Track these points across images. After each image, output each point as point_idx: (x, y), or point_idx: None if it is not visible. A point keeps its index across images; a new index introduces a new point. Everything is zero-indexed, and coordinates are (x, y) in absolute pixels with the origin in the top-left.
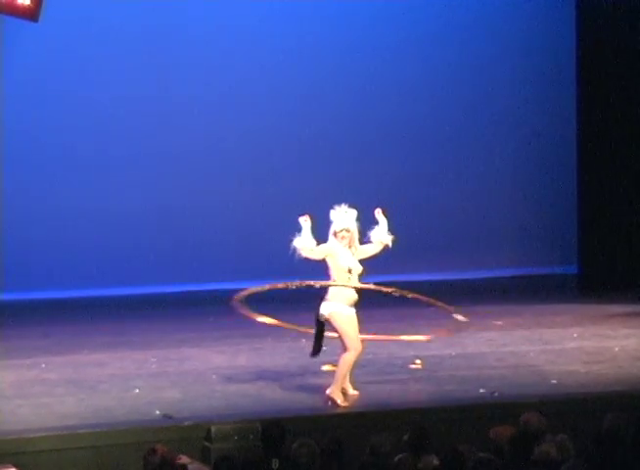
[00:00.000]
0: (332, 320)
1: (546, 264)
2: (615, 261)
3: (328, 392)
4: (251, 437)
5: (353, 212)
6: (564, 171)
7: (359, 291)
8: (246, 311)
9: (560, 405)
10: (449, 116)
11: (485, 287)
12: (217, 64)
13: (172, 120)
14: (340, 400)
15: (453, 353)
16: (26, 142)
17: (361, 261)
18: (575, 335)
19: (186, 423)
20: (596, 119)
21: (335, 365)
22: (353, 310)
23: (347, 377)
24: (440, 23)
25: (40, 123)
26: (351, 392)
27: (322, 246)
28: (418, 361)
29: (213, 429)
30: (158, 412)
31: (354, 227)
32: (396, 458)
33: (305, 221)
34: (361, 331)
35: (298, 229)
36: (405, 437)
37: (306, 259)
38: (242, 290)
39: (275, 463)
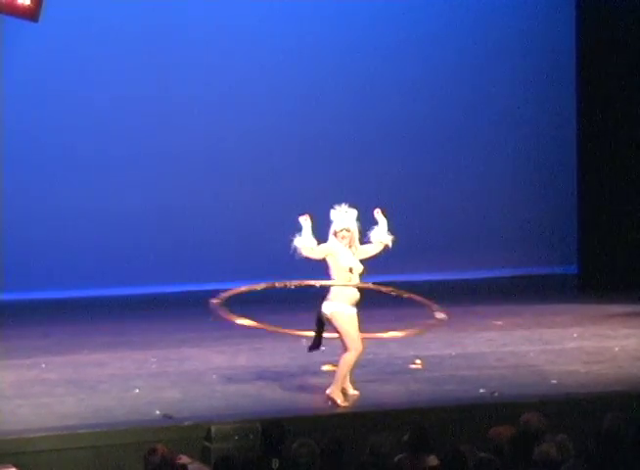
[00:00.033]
0: (333, 320)
1: (546, 264)
2: (615, 261)
3: (328, 392)
4: (251, 437)
5: (353, 212)
6: (564, 171)
7: (361, 290)
8: (224, 313)
9: (560, 405)
10: (449, 116)
11: (485, 287)
12: (217, 64)
13: (172, 120)
14: (340, 400)
15: (453, 353)
16: (26, 142)
17: (361, 261)
18: (575, 335)
19: (186, 423)
20: (596, 119)
21: (335, 365)
22: (355, 310)
23: (348, 377)
24: (440, 23)
25: (40, 123)
26: (351, 392)
27: (322, 245)
28: (418, 361)
29: (213, 429)
30: (158, 412)
31: (354, 227)
32: (396, 458)
33: (306, 221)
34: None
35: (299, 229)
36: (405, 437)
37: (307, 259)
38: (222, 291)
39: (275, 463)
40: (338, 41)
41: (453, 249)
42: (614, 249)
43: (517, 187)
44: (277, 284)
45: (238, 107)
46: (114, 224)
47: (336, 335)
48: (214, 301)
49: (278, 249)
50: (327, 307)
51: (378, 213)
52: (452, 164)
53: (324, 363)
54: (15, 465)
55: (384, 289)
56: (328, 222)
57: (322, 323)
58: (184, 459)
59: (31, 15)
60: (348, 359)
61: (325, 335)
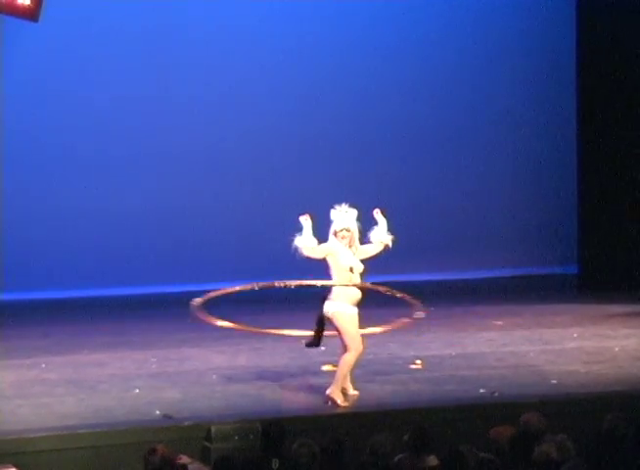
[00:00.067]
0: (334, 319)
1: (546, 264)
2: (615, 261)
3: (328, 392)
4: (252, 437)
5: (354, 212)
6: (564, 171)
7: (362, 290)
8: (204, 316)
9: (560, 405)
10: (449, 116)
11: (485, 287)
12: (217, 64)
13: (172, 120)
14: (340, 401)
15: (453, 353)
16: (26, 142)
17: (362, 261)
18: (575, 335)
19: (186, 423)
20: (596, 119)
21: (335, 365)
22: (356, 310)
23: (348, 377)
24: (440, 23)
25: (40, 123)
26: (351, 392)
27: (323, 245)
28: (418, 361)
29: (213, 429)
30: (158, 412)
31: (354, 227)
32: (396, 458)
33: (306, 220)
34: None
35: (299, 229)
36: (405, 437)
37: (308, 259)
38: (202, 294)
39: (275, 463)
40: (338, 41)
41: (453, 249)
42: (614, 249)
43: (517, 187)
44: (277, 284)
45: (238, 107)
46: (114, 224)
47: (335, 333)
48: (194, 302)
49: (278, 249)
50: (328, 307)
51: (377, 214)
52: (452, 164)
53: (324, 363)
54: (15, 465)
55: (381, 288)
56: (328, 222)
57: (323, 322)
58: (184, 459)
59: (31, 15)
60: (348, 360)
61: (325, 333)
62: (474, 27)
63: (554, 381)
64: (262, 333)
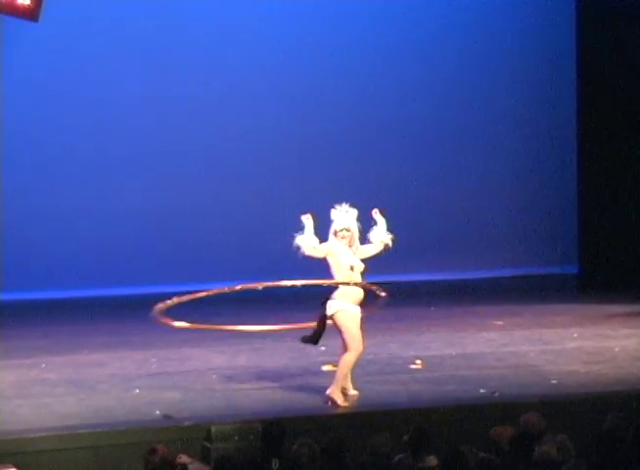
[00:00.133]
0: (336, 319)
1: (546, 264)
2: (615, 261)
3: (328, 392)
4: (252, 437)
5: (354, 212)
6: (564, 171)
7: (365, 289)
8: (164, 319)
9: (560, 405)
10: (449, 116)
11: (485, 287)
12: (217, 64)
13: (172, 120)
14: (340, 401)
15: (453, 353)
16: (26, 142)
17: (362, 261)
18: (575, 335)
19: (186, 423)
20: (596, 119)
21: (335, 365)
22: (358, 309)
23: (348, 377)
24: (440, 23)
25: (40, 123)
26: (351, 392)
27: (323, 244)
28: (418, 361)
29: (213, 429)
30: (158, 412)
31: (355, 227)
32: (396, 458)
33: (308, 220)
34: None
35: (300, 228)
36: (405, 437)
37: (308, 258)
38: (165, 298)
39: (275, 463)
40: (338, 41)
41: (453, 249)
42: (614, 249)
43: (517, 187)
44: (283, 283)
45: (238, 107)
46: (114, 224)
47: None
48: (157, 307)
49: (278, 249)
50: (331, 306)
51: (376, 214)
52: (452, 164)
53: (324, 364)
54: (15, 465)
55: (374, 287)
56: (328, 222)
57: (325, 321)
58: (184, 459)
59: (31, 15)
60: (348, 359)
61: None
62: (474, 27)
63: (554, 381)
64: (222, 330)
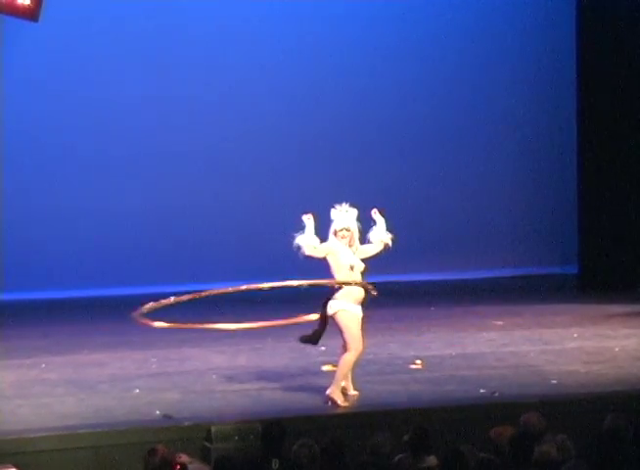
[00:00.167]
0: (337, 318)
1: (546, 264)
2: (615, 261)
3: (328, 392)
4: (252, 437)
5: (354, 212)
6: (564, 171)
7: (371, 288)
8: (143, 320)
9: (560, 405)
10: (449, 116)
11: (485, 287)
12: (217, 64)
13: (172, 120)
14: (340, 401)
15: (453, 353)
16: (26, 142)
17: (362, 261)
18: (575, 335)
19: (186, 423)
20: (596, 119)
21: (335, 365)
22: (359, 308)
23: (348, 377)
24: (440, 23)
25: (40, 123)
26: (351, 392)
27: (324, 244)
28: (418, 361)
29: (213, 429)
30: (158, 412)
31: (354, 226)
32: (396, 458)
33: (309, 220)
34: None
35: (300, 228)
36: (406, 437)
37: (308, 258)
38: (146, 303)
39: (275, 463)
40: (338, 41)
41: (453, 249)
42: (614, 249)
43: (517, 187)
44: (290, 283)
45: (238, 107)
46: (114, 224)
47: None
48: (146, 307)
49: (278, 249)
50: (332, 306)
51: (375, 214)
52: (452, 164)
53: (324, 364)
54: (15, 465)
55: (369, 287)
56: (328, 222)
57: (326, 321)
58: (183, 458)
59: (31, 15)
60: (348, 359)
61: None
62: (474, 27)
63: (554, 381)
64: (201, 328)
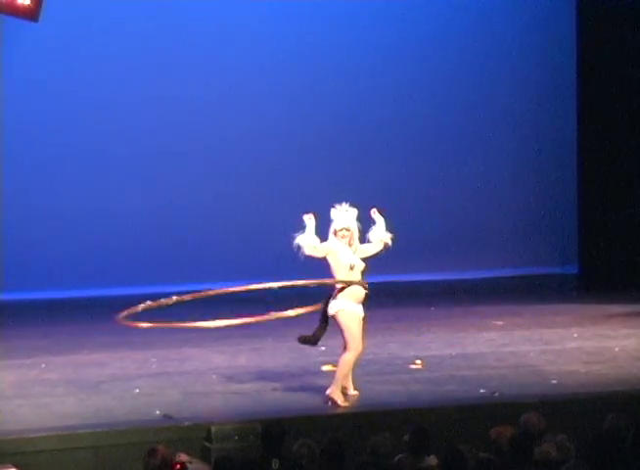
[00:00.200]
0: (338, 317)
1: (546, 264)
2: (615, 261)
3: (328, 392)
4: (252, 437)
5: (354, 211)
6: (564, 171)
7: (366, 287)
8: (127, 322)
9: (560, 405)
10: (449, 116)
11: (485, 287)
12: (217, 64)
13: (172, 120)
14: (340, 401)
15: (453, 353)
16: (26, 142)
17: (363, 261)
18: (575, 335)
19: (186, 423)
20: (596, 119)
21: (335, 366)
22: (360, 307)
23: (349, 377)
24: (440, 23)
25: (40, 123)
26: (352, 392)
27: (324, 244)
28: (418, 361)
29: (213, 429)
30: (158, 412)
31: (354, 226)
32: (396, 458)
33: (310, 220)
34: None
35: (300, 228)
36: (406, 437)
37: (309, 258)
38: (129, 308)
39: (275, 463)
40: (338, 41)
41: (453, 249)
42: (614, 249)
43: (517, 187)
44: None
45: (238, 107)
46: (114, 224)
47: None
48: (122, 315)
49: (278, 249)
50: (333, 305)
51: (375, 213)
52: (452, 164)
53: (324, 364)
54: (15, 465)
55: (366, 285)
56: (328, 222)
57: (327, 321)
58: (183, 457)
59: (31, 15)
60: (348, 359)
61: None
62: (474, 27)
63: (554, 381)
64: (184, 327)
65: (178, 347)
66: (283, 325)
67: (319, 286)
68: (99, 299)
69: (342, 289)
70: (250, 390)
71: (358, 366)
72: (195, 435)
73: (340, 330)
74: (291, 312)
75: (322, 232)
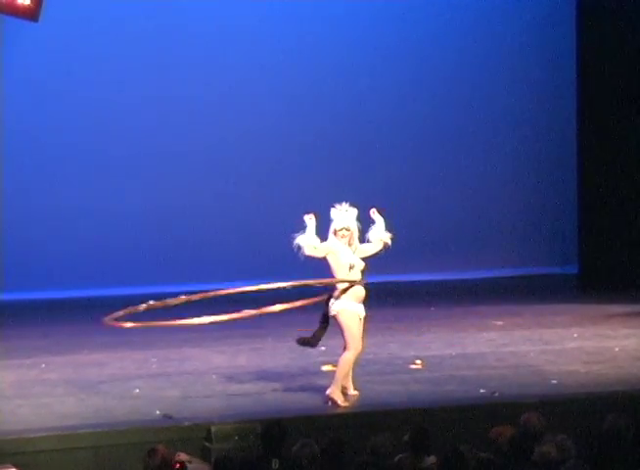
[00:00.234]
0: (338, 317)
1: (546, 264)
2: (615, 261)
3: (328, 392)
4: (252, 437)
5: (354, 211)
6: (564, 171)
7: (366, 286)
8: (114, 323)
9: (560, 405)
10: (449, 116)
11: (485, 287)
12: (217, 64)
13: (172, 120)
14: (340, 401)
15: (453, 353)
16: (26, 142)
17: (363, 260)
18: (575, 335)
19: (186, 423)
20: (596, 119)
21: (335, 366)
22: (362, 307)
23: (349, 377)
24: (440, 23)
25: (40, 123)
26: (352, 392)
27: (324, 244)
28: (418, 361)
29: (213, 429)
30: (158, 412)
31: (354, 226)
32: (396, 458)
33: (310, 220)
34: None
35: (301, 228)
36: (406, 437)
37: (309, 258)
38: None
39: (275, 463)
40: (338, 41)
41: (453, 249)
42: (614, 249)
43: (517, 187)
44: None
45: (238, 107)
46: (114, 224)
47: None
48: (109, 318)
49: (278, 249)
50: (334, 305)
51: (374, 213)
52: (452, 164)
53: (324, 364)
54: (15, 465)
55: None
56: (328, 222)
57: (327, 321)
58: (182, 456)
59: (31, 15)
60: (348, 359)
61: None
62: (473, 27)
63: (554, 381)
64: (170, 325)
65: (178, 347)
66: (283, 325)
67: (328, 285)
68: (99, 299)
69: (346, 290)
70: (250, 390)
71: (358, 366)
72: (195, 435)
73: (340, 330)
74: (277, 307)
75: (322, 232)
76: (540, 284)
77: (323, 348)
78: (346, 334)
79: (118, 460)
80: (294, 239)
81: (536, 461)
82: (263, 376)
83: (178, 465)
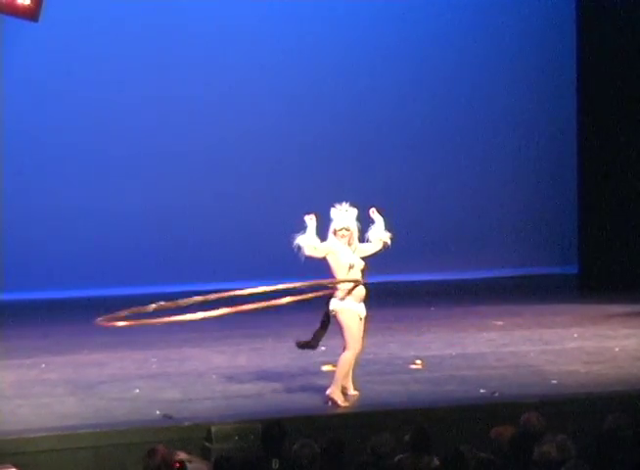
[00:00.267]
0: (339, 316)
1: (546, 264)
2: (615, 261)
3: (328, 392)
4: (252, 437)
5: (354, 211)
6: (564, 171)
7: (366, 286)
8: (106, 323)
9: (560, 405)
10: (449, 116)
11: (485, 287)
12: (217, 64)
13: (172, 120)
14: (340, 401)
15: (453, 353)
16: (26, 142)
17: (363, 260)
18: (575, 335)
19: (186, 423)
20: (596, 119)
21: (335, 366)
22: (362, 306)
23: (349, 377)
24: (440, 23)
25: (40, 123)
26: (352, 392)
27: (324, 244)
28: (418, 361)
29: (214, 429)
30: (158, 412)
31: (354, 226)
32: (397, 458)
33: (311, 220)
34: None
35: (301, 228)
36: (406, 437)
37: (309, 258)
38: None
39: (275, 463)
40: (338, 41)
41: (453, 249)
42: (614, 249)
43: (517, 187)
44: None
45: (238, 107)
46: (114, 224)
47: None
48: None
49: (278, 249)
50: (334, 305)
51: (373, 213)
52: (452, 164)
53: (324, 364)
54: (15, 465)
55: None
56: (328, 222)
57: (328, 322)
58: (182, 455)
59: (31, 15)
60: (347, 358)
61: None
62: (474, 27)
63: (554, 381)
64: (162, 322)
65: (178, 347)
66: (283, 325)
67: (338, 285)
68: (99, 299)
69: (351, 290)
70: (250, 390)
71: (358, 366)
72: (195, 435)
73: (340, 329)
74: (285, 300)
75: (322, 232)
76: (540, 284)
77: (323, 348)
78: (346, 333)
79: (118, 460)
80: (294, 239)
81: (536, 461)
82: (263, 376)
83: (178, 464)
